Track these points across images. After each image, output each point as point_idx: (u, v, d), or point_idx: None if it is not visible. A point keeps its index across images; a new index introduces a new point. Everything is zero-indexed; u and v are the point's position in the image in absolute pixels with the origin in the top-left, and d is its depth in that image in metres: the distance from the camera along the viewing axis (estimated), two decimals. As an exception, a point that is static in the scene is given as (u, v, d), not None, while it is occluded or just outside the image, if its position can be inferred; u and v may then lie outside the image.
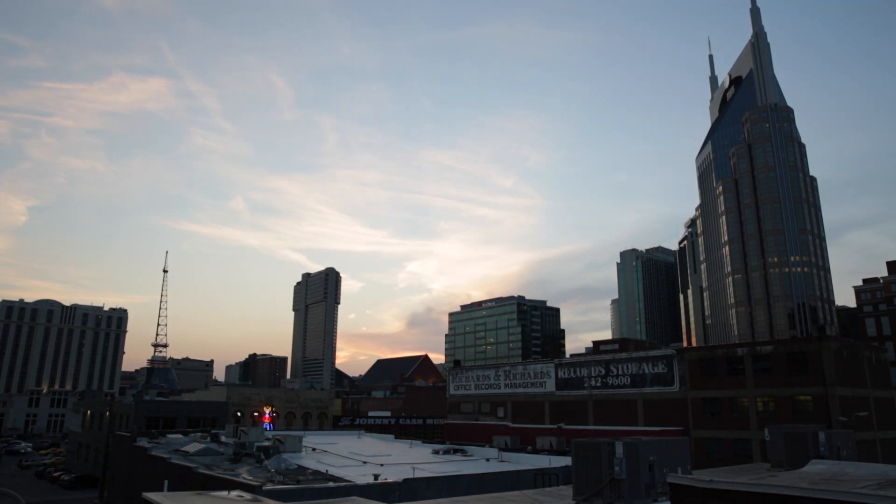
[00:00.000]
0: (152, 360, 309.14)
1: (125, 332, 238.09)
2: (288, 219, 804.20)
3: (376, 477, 31.71)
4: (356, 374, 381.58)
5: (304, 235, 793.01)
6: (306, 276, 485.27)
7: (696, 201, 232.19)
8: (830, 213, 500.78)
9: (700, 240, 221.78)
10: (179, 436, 55.85)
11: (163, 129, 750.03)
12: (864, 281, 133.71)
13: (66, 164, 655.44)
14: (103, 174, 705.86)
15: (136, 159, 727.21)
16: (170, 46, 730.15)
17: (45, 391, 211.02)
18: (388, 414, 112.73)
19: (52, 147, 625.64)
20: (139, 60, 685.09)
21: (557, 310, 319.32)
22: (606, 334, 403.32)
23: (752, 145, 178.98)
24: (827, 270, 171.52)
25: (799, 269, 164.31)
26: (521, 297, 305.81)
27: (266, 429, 68.37)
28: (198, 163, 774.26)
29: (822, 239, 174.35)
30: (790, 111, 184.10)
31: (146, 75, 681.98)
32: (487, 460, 46.64)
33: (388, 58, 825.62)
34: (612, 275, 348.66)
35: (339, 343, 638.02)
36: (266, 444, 43.29)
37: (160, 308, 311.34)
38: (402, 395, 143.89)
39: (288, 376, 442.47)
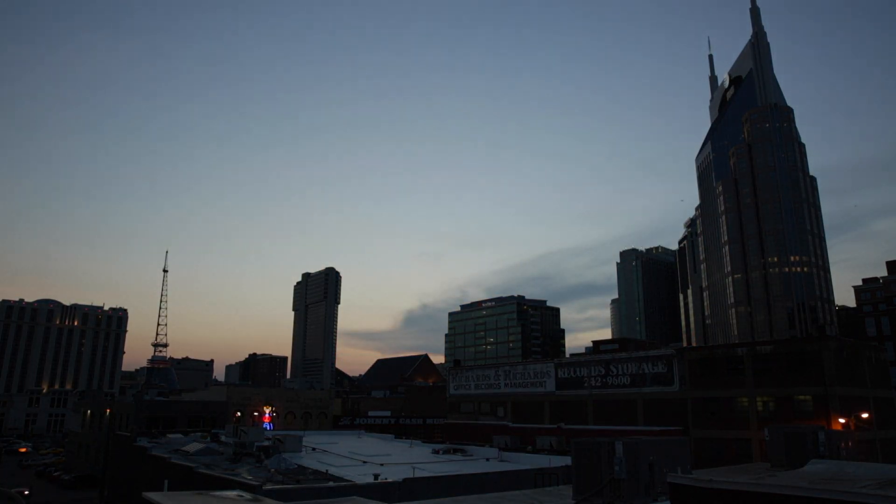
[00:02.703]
0: (152, 360, 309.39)
1: (125, 332, 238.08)
2: (286, 211, 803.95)
3: (376, 477, 31.71)
4: (356, 374, 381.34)
5: (303, 230, 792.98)
6: (306, 275, 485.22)
7: (696, 201, 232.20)
8: (854, 200, 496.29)
9: (700, 240, 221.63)
10: (179, 436, 55.88)
11: (144, 104, 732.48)
12: (864, 281, 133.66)
13: (45, 147, 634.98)
14: (88, 161, 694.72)
15: (121, 143, 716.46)
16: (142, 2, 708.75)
17: (45, 391, 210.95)
18: (388, 414, 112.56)
19: (23, 126, 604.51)
20: (109, 20, 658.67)
21: (557, 309, 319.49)
22: (606, 333, 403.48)
23: (752, 145, 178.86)
24: (827, 270, 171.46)
25: (799, 269, 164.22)
26: (520, 297, 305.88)
27: (266, 429, 68.39)
28: (188, 149, 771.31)
29: (822, 239, 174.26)
30: (790, 111, 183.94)
31: (119, 37, 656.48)
32: (487, 460, 46.61)
33: (390, 29, 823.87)
34: (612, 273, 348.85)
35: (339, 343, 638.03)
36: (266, 444, 43.25)
37: (160, 308, 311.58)
38: (402, 395, 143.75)
39: (288, 376, 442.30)
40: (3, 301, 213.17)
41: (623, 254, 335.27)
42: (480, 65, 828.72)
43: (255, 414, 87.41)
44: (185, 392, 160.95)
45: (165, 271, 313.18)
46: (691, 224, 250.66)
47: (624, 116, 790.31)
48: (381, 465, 39.11)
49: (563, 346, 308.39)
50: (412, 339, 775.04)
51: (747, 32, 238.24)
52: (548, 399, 78.71)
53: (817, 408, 54.87)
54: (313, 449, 47.16)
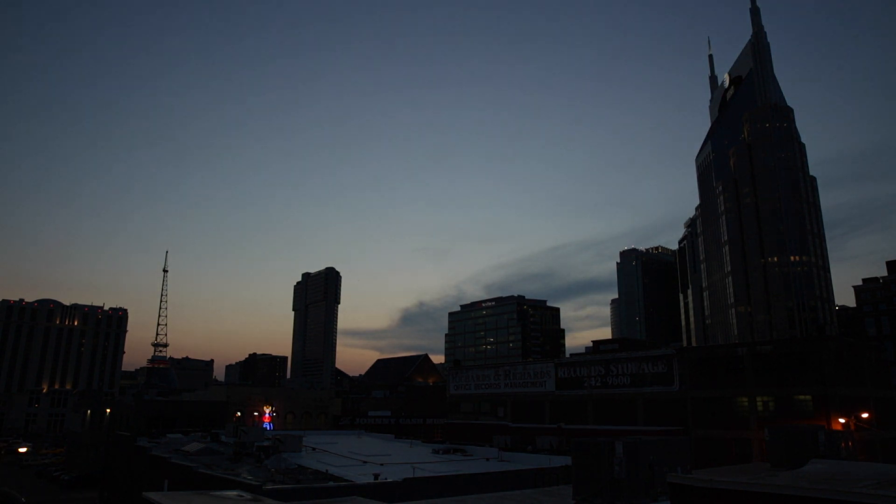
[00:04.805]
0: (152, 360, 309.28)
1: (125, 331, 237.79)
2: (286, 211, 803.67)
3: (376, 476, 31.70)
4: (356, 374, 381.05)
5: (303, 229, 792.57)
6: (306, 275, 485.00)
7: (696, 201, 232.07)
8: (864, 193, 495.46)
9: (700, 240, 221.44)
10: (179, 435, 55.89)
11: (144, 103, 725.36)
12: (864, 281, 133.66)
13: (44, 147, 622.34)
14: (88, 161, 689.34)
15: (122, 143, 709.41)
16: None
17: (45, 391, 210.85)
18: (387, 413, 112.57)
19: (21, 123, 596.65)
20: (111, 19, 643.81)
21: (557, 309, 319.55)
22: (606, 332, 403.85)
23: (752, 145, 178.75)
24: (827, 270, 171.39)
25: (799, 269, 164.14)
26: (520, 297, 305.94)
27: (266, 429, 68.43)
28: (188, 148, 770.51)
29: (822, 238, 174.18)
30: (790, 111, 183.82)
31: (119, 33, 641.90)
32: (487, 460, 46.60)
33: (389, 21, 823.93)
34: (612, 272, 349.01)
35: (339, 343, 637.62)
36: (266, 443, 43.27)
37: (160, 308, 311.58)
38: (402, 395, 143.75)
39: (288, 376, 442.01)
40: (3, 301, 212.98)
41: (623, 253, 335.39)
42: (479, 63, 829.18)
43: (255, 414, 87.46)
44: (185, 392, 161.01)
45: (165, 271, 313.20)
46: (691, 224, 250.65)
47: (624, 116, 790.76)
48: (381, 465, 39.10)
49: (563, 345, 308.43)
50: (412, 339, 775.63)
51: (747, 32, 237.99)
52: (548, 399, 78.68)
53: (817, 408, 54.85)
54: (313, 449, 47.14)
